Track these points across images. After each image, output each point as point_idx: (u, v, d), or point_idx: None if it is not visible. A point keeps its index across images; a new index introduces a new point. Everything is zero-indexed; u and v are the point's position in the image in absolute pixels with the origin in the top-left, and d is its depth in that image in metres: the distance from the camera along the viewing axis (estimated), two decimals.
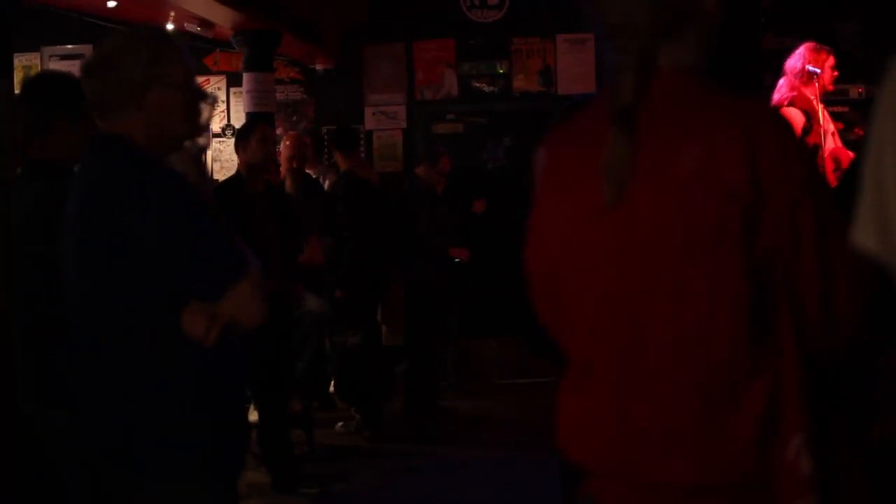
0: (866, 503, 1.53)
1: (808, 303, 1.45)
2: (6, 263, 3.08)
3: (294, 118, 8.57)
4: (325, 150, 8.14)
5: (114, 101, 2.26)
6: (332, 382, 7.08)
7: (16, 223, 3.01)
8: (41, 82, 3.15)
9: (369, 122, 8.54)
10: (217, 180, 5.36)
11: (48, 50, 8.55)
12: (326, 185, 7.08)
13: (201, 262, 2.17)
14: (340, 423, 7.12)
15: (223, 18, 6.19)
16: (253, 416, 5.77)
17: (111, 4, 6.40)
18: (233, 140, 5.50)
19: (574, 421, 1.62)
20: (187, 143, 2.39)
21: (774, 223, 1.43)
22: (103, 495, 2.44)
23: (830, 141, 5.15)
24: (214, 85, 8.60)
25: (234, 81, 8.29)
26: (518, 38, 8.35)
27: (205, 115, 2.44)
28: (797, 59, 5.10)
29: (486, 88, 8.44)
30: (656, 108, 1.51)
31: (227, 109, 8.58)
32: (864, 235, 1.25)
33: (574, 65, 8.18)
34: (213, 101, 5.48)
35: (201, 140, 2.44)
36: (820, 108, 5.08)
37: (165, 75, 2.29)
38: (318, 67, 8.44)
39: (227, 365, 2.30)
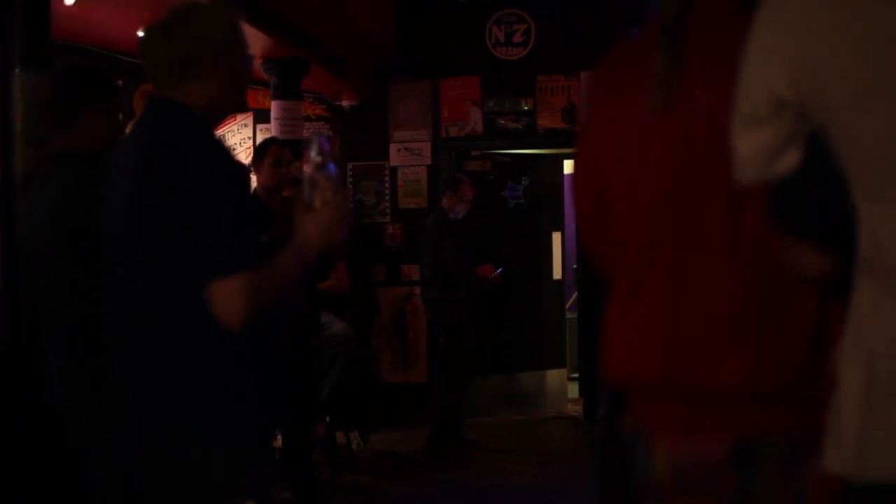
0: None
1: None
2: (31, 251, 3.08)
3: None
4: None
5: (187, 65, 2.23)
6: None
7: (43, 211, 3.02)
8: (71, 74, 3.19)
9: (394, 159, 8.58)
10: None
11: None
12: None
13: (207, 241, 2.11)
14: (353, 442, 7.08)
15: (254, 44, 6.24)
16: (276, 439, 5.75)
17: (141, 34, 6.47)
18: None
19: (624, 338, 1.61)
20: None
21: None
22: (134, 481, 2.40)
23: None
24: (241, 121, 8.68)
25: (261, 118, 8.36)
26: (542, 75, 8.40)
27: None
28: None
29: (511, 125, 8.49)
30: (703, 26, 1.54)
31: (254, 146, 8.64)
32: None
33: None
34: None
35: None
36: None
37: (233, 44, 2.30)
38: (345, 104, 8.52)
39: (269, 334, 2.28)
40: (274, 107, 6.71)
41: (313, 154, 2.33)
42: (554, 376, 9.06)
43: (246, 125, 8.69)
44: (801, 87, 1.22)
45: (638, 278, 1.59)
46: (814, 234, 1.33)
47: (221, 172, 2.16)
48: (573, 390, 9.26)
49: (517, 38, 8.46)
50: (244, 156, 8.65)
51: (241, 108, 2.43)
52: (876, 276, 1.19)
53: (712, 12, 1.55)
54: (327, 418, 6.25)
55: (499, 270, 7.49)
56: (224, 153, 2.25)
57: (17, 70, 3.28)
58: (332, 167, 2.33)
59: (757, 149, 1.30)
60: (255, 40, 6.09)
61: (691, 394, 1.51)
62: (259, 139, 8.57)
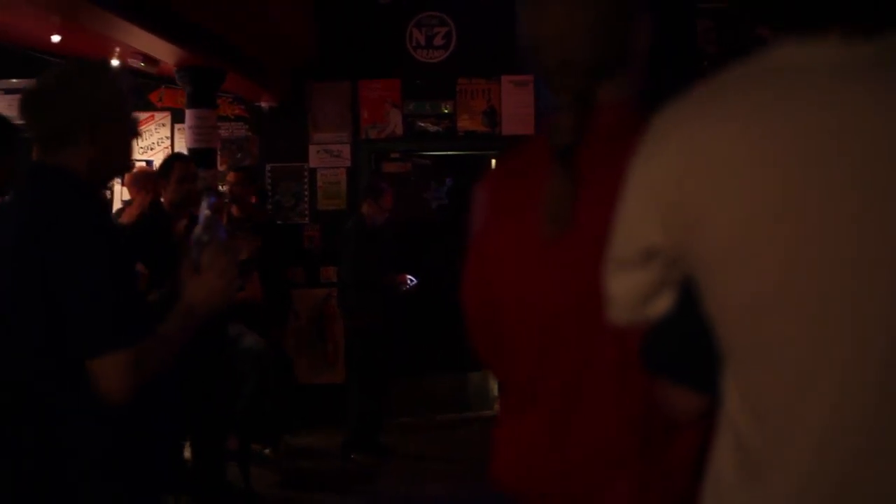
0: None
1: None
2: None
3: (238, 155, 8.55)
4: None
5: (65, 133, 2.21)
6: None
7: None
8: None
9: (313, 160, 8.54)
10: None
11: None
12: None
13: (88, 315, 2.09)
14: (267, 450, 7.02)
15: (167, 55, 6.17)
16: (188, 452, 5.72)
17: (56, 39, 6.36)
18: None
19: (513, 449, 1.61)
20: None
21: None
22: None
23: None
24: (159, 121, 8.57)
25: (178, 118, 8.25)
26: (463, 78, 8.42)
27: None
28: None
29: (431, 128, 8.49)
30: (598, 142, 1.51)
31: (172, 146, 8.54)
32: None
33: (518, 105, 8.22)
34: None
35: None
36: None
37: (115, 107, 2.28)
38: (263, 105, 8.45)
39: (150, 413, 2.25)
40: (188, 116, 6.63)
41: (203, 213, 2.32)
42: (478, 378, 9.10)
43: (164, 125, 8.59)
44: (674, 238, 1.19)
45: (527, 393, 1.58)
46: (687, 376, 1.31)
47: (99, 243, 2.14)
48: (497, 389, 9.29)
49: (438, 41, 8.46)
50: (161, 155, 8.56)
51: (126, 169, 2.41)
52: (742, 441, 1.16)
53: (609, 135, 1.51)
54: (239, 431, 6.21)
55: (413, 283, 7.52)
56: (102, 222, 2.23)
57: None
58: (222, 230, 2.33)
59: (627, 292, 1.28)
60: (169, 50, 6.01)
61: None
62: (177, 139, 8.48)
